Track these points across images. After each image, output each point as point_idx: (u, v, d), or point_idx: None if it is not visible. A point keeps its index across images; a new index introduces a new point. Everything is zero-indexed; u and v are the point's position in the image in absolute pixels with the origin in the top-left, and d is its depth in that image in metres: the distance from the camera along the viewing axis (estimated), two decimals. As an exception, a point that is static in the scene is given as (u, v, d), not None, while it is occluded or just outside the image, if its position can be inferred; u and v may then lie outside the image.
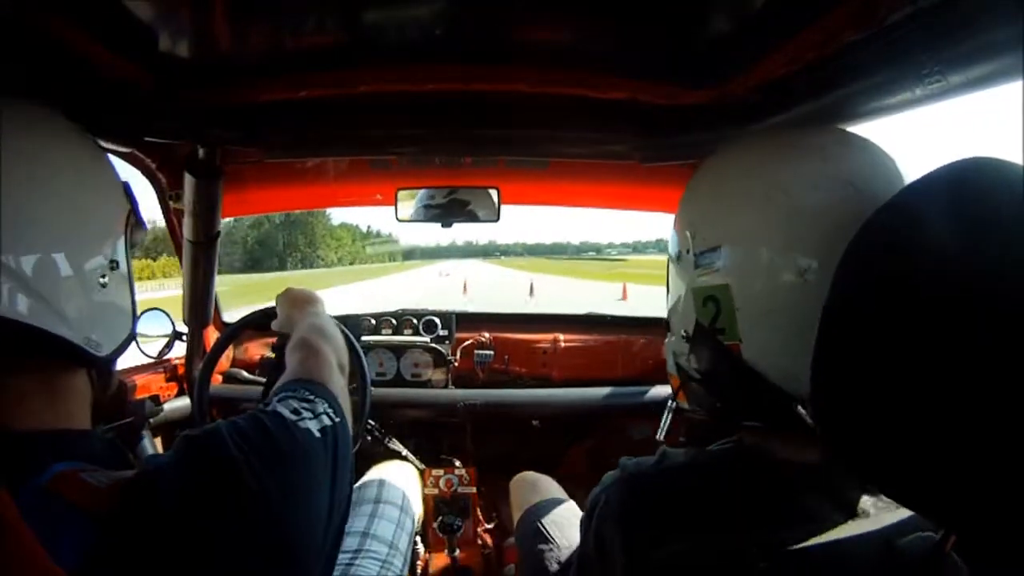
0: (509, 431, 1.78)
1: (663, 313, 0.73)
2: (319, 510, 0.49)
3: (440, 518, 1.53)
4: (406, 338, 1.82)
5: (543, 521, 1.13)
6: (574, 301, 15.84)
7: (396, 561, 1.12)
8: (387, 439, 1.64)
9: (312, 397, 0.56)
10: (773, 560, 0.50)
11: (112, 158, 0.64)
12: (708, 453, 0.62)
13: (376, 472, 1.39)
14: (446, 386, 1.75)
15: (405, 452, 1.65)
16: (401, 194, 1.49)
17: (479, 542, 1.65)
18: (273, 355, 1.78)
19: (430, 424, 1.79)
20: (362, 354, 1.23)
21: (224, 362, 1.76)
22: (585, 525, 0.67)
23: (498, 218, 1.51)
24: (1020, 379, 0.35)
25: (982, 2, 0.53)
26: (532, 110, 1.03)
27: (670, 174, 1.39)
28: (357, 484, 1.20)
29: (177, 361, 1.57)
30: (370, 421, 1.59)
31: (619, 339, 1.84)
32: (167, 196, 1.35)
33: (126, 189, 0.62)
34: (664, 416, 0.73)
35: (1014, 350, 0.35)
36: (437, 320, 1.84)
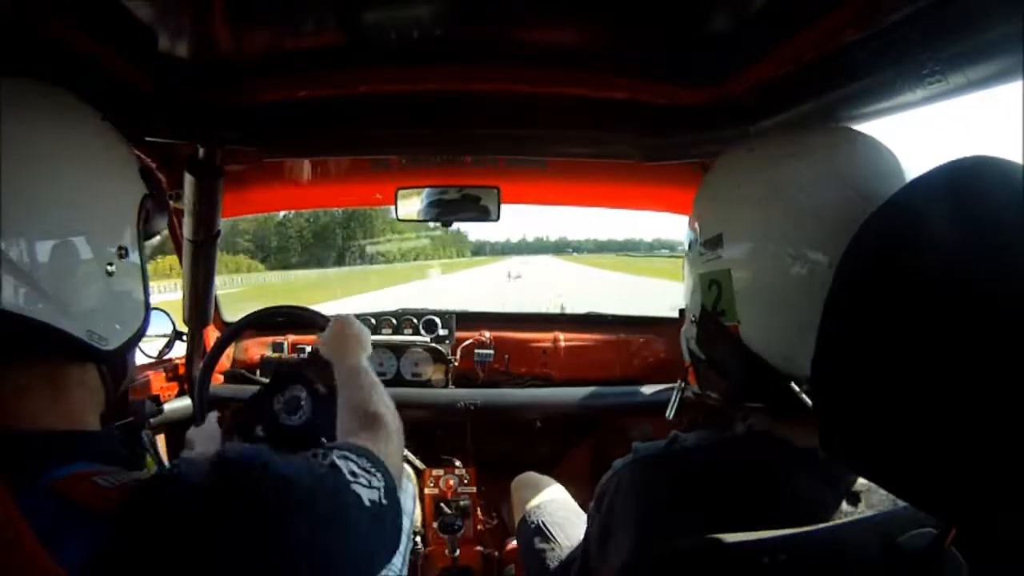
0: (509, 431, 1.78)
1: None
2: (350, 567, 0.48)
3: (440, 518, 1.53)
4: (406, 338, 1.82)
5: (544, 521, 1.13)
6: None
7: (395, 560, 1.12)
8: None
9: (372, 468, 0.54)
10: (774, 558, 0.50)
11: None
12: (718, 436, 0.65)
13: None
14: (446, 386, 1.75)
15: (405, 452, 1.65)
16: (402, 193, 1.49)
17: (479, 542, 1.65)
18: (274, 354, 1.79)
19: (430, 424, 1.79)
20: None
21: (224, 362, 1.76)
22: (593, 512, 0.69)
23: (498, 217, 1.51)
24: (1018, 373, 0.35)
25: (982, 2, 0.53)
26: (532, 110, 1.03)
27: (670, 173, 1.39)
28: None
29: (177, 361, 1.57)
30: None
31: (619, 338, 1.84)
32: (167, 196, 1.35)
33: (145, 172, 0.58)
34: (673, 396, 0.77)
35: (1013, 345, 0.35)
36: (437, 320, 1.84)
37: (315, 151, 1.28)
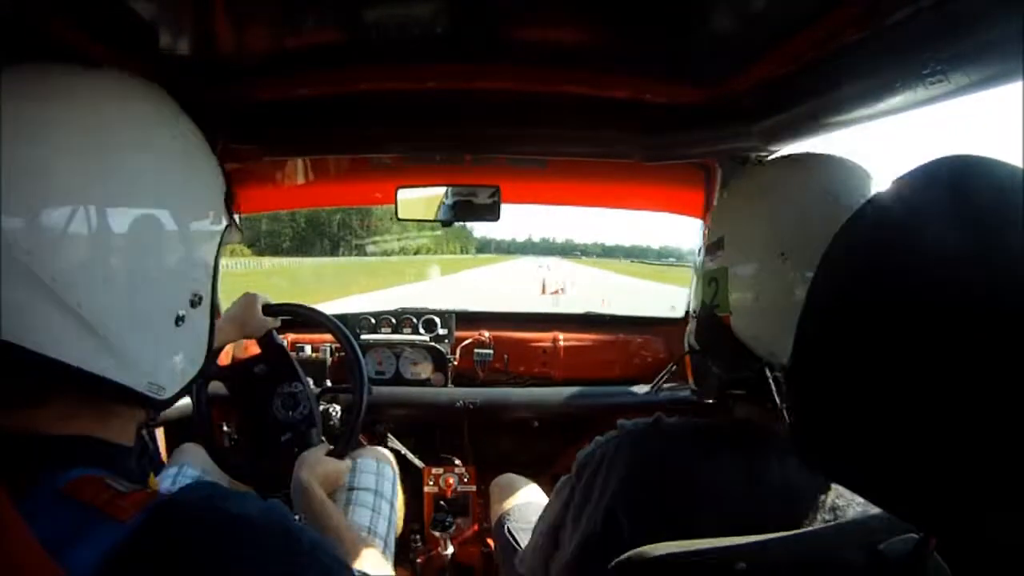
0: (508, 430, 1.78)
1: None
2: None
3: (434, 516, 1.53)
4: (405, 337, 1.82)
5: (510, 526, 1.13)
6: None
7: (383, 507, 1.12)
8: (386, 438, 1.64)
9: None
10: (751, 562, 0.50)
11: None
12: (699, 420, 0.69)
13: (350, 460, 1.37)
14: (445, 385, 1.75)
15: (404, 451, 1.65)
16: (402, 192, 1.49)
17: (479, 541, 1.65)
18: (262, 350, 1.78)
19: (429, 423, 1.79)
20: (360, 353, 1.23)
21: (224, 360, 1.76)
22: (573, 481, 0.72)
23: (498, 217, 1.51)
24: (994, 379, 0.35)
25: (983, 2, 0.53)
26: (533, 109, 1.03)
27: (671, 173, 1.39)
28: None
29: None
30: (369, 421, 1.59)
31: (618, 338, 1.84)
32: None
33: (228, 198, 0.56)
34: (663, 372, 0.87)
35: (992, 348, 0.34)
36: (436, 319, 1.84)
37: (315, 149, 1.27)
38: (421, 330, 1.83)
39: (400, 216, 1.51)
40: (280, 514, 0.44)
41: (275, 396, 1.18)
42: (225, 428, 1.43)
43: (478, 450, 1.74)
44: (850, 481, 0.44)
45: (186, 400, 1.49)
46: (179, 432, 1.36)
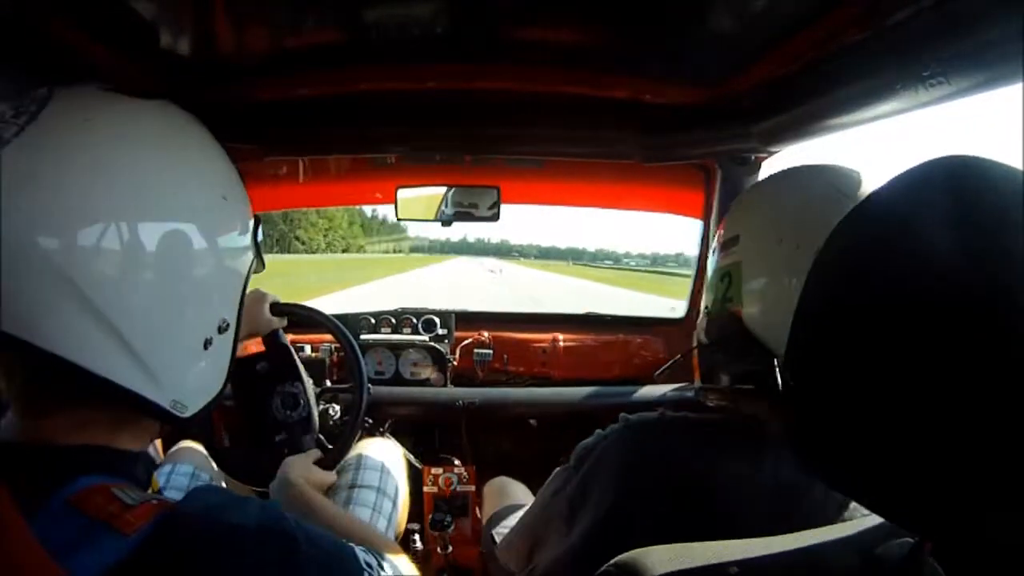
0: (508, 430, 1.78)
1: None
2: None
3: (431, 515, 1.53)
4: (405, 337, 1.82)
5: (495, 532, 1.13)
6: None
7: (385, 505, 1.12)
8: (385, 438, 1.64)
9: (389, 569, 0.54)
10: (745, 566, 0.49)
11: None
12: (703, 415, 0.70)
13: (353, 456, 1.36)
14: (445, 385, 1.75)
15: (404, 451, 1.65)
16: (402, 191, 1.49)
17: (478, 541, 1.65)
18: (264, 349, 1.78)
19: (429, 423, 1.79)
20: (360, 353, 1.23)
21: None
22: (571, 472, 0.72)
23: (498, 217, 1.51)
24: (990, 382, 0.34)
25: (984, 4, 0.53)
26: (533, 109, 1.03)
27: (671, 173, 1.39)
28: (336, 469, 1.18)
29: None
30: (368, 420, 1.59)
31: (618, 338, 1.84)
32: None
33: (256, 235, 0.58)
34: (670, 362, 0.88)
35: (985, 352, 0.34)
36: (436, 319, 1.84)
37: (315, 149, 1.27)
38: (421, 330, 1.83)
39: (400, 216, 1.51)
40: (276, 517, 0.45)
41: (275, 395, 1.18)
42: (223, 426, 1.43)
43: (477, 450, 1.74)
44: (845, 486, 0.43)
45: None
46: (176, 429, 1.36)
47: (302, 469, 0.97)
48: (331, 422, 1.28)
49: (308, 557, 0.43)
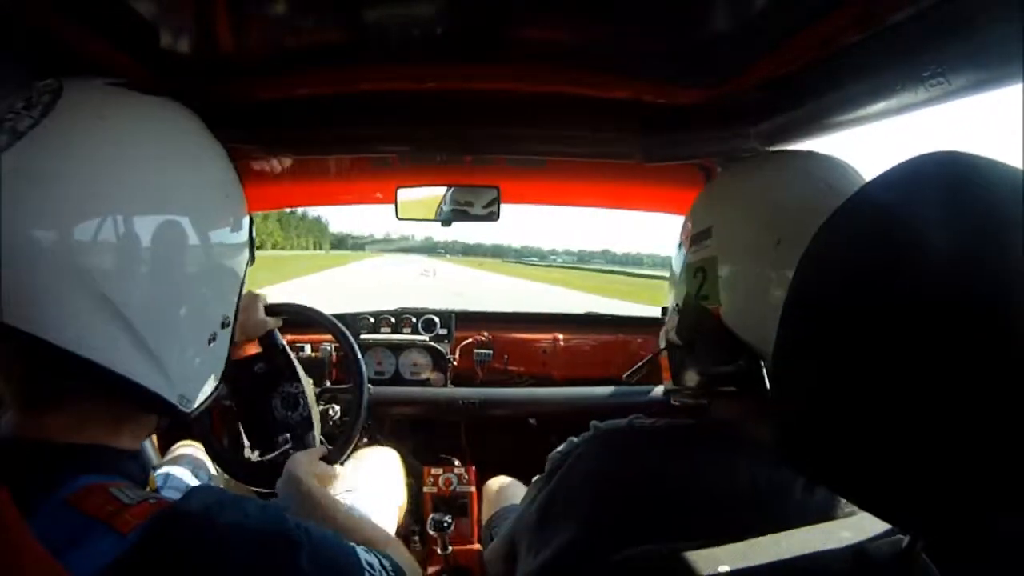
0: (508, 430, 1.78)
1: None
2: None
3: (431, 516, 1.53)
4: (405, 337, 1.82)
5: (493, 532, 1.13)
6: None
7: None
8: (384, 438, 1.64)
9: (392, 571, 0.54)
10: (736, 564, 0.49)
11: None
12: (673, 421, 0.66)
13: (353, 463, 1.36)
14: (445, 385, 1.75)
15: (403, 451, 1.65)
16: (402, 191, 1.49)
17: (479, 541, 1.65)
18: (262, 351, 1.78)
19: (429, 423, 1.79)
20: (359, 353, 1.23)
21: None
22: (542, 484, 0.69)
23: (498, 217, 1.52)
24: (983, 380, 0.34)
25: (984, 3, 0.53)
26: (533, 109, 1.03)
27: (671, 173, 1.39)
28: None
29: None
30: (368, 421, 1.59)
31: (618, 338, 1.84)
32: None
33: (251, 237, 0.60)
34: (642, 363, 0.84)
35: (978, 350, 0.34)
36: (436, 319, 1.84)
37: (315, 149, 1.27)
38: (421, 330, 1.83)
39: (400, 216, 1.51)
40: (276, 518, 0.45)
41: (275, 396, 1.18)
42: (223, 427, 1.43)
43: (477, 450, 1.74)
44: (836, 484, 0.43)
45: None
46: (175, 431, 1.36)
47: (308, 465, 0.97)
48: (331, 422, 1.28)
49: (309, 558, 0.43)
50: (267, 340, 1.18)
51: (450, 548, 1.49)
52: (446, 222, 1.56)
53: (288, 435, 1.14)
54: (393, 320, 1.86)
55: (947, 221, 0.37)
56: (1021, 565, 0.38)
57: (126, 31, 0.76)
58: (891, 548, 0.46)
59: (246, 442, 1.18)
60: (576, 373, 1.79)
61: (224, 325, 0.55)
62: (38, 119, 0.42)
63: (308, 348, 1.71)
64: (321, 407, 1.24)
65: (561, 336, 1.85)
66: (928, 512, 0.38)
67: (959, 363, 0.35)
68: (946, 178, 0.39)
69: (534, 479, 0.74)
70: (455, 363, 1.79)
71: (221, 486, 1.18)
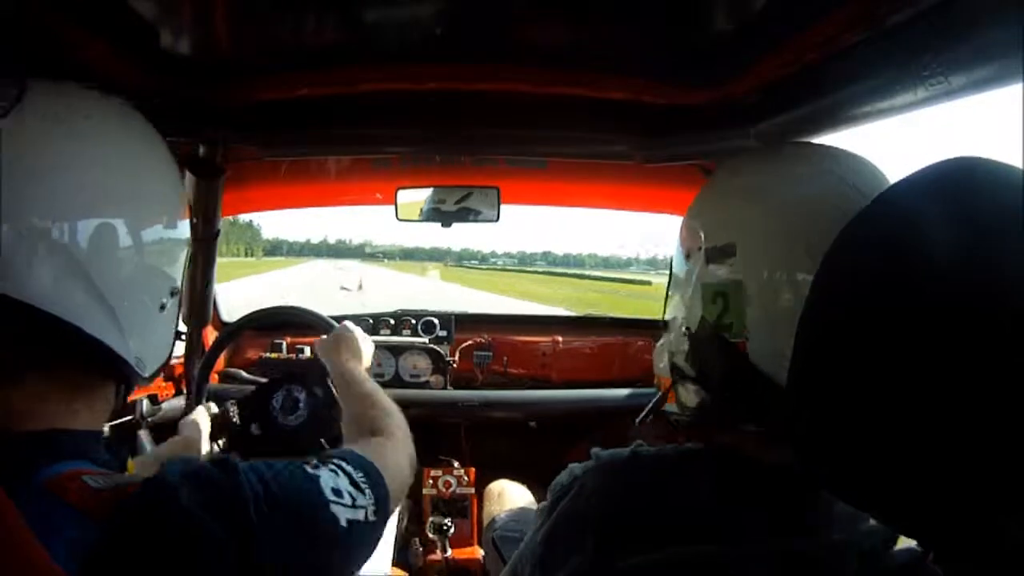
0: (508, 432, 1.78)
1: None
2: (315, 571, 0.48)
3: (430, 519, 1.53)
4: (404, 339, 1.82)
5: (495, 535, 1.12)
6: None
7: (387, 552, 1.11)
8: None
9: (365, 486, 0.53)
10: (744, 571, 0.48)
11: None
12: (679, 448, 0.61)
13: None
14: (445, 387, 1.75)
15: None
16: (402, 192, 1.49)
17: (478, 543, 1.64)
18: (271, 354, 1.78)
19: (428, 425, 1.78)
20: None
21: (221, 361, 1.75)
22: (545, 514, 0.64)
23: (498, 218, 1.52)
24: (998, 388, 0.34)
25: (984, 3, 0.53)
26: (532, 110, 1.03)
27: (671, 174, 1.39)
28: None
29: (175, 360, 1.57)
30: None
31: (618, 341, 1.84)
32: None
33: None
34: (650, 404, 0.72)
35: (996, 358, 0.34)
36: (436, 321, 1.84)
37: (315, 149, 1.27)
38: (420, 332, 1.83)
39: (400, 217, 1.51)
40: (232, 487, 0.44)
41: (273, 399, 1.18)
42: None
43: (477, 452, 1.73)
44: (853, 496, 0.43)
45: (180, 402, 1.49)
46: (175, 433, 1.35)
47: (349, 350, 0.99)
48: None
49: (256, 509, 0.43)
50: (259, 371, 1.18)
51: (450, 551, 1.49)
52: (446, 224, 1.55)
53: (287, 438, 1.14)
54: (392, 322, 1.86)
55: (954, 228, 0.37)
56: None
57: (126, 32, 0.76)
58: (902, 558, 0.46)
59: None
60: (575, 375, 1.79)
61: (173, 294, 0.59)
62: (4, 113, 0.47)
63: (307, 350, 1.72)
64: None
65: (560, 338, 1.85)
66: (942, 522, 0.38)
67: (968, 371, 0.35)
68: (953, 184, 0.39)
69: (537, 507, 0.69)
70: (455, 365, 1.79)
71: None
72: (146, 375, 0.57)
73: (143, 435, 1.36)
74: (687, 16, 0.77)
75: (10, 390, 0.45)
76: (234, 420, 1.15)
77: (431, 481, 1.62)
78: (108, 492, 0.40)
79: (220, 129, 1.05)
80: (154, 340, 0.58)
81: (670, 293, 0.71)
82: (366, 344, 1.02)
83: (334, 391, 1.11)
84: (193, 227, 1.24)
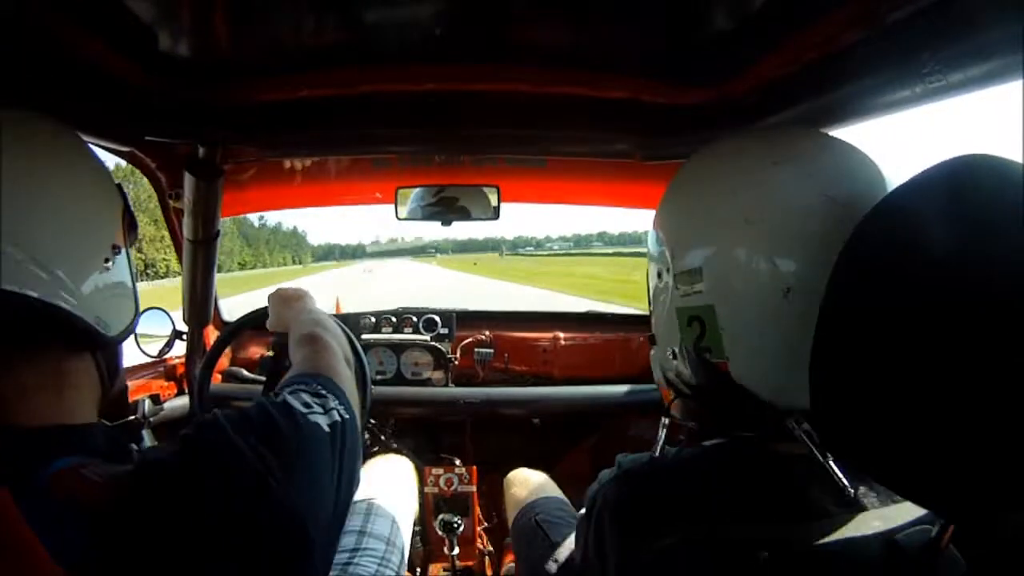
0: (509, 430, 1.78)
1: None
2: (324, 500, 0.50)
3: (440, 517, 1.53)
4: (406, 336, 1.82)
5: (538, 519, 1.12)
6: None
7: (394, 558, 1.12)
8: (387, 438, 1.64)
9: (324, 392, 0.56)
10: (773, 551, 0.50)
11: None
12: (700, 448, 0.63)
13: (371, 467, 1.38)
14: (446, 384, 1.75)
15: (405, 451, 1.65)
16: (402, 192, 1.49)
17: (479, 541, 1.65)
18: (272, 353, 1.79)
19: (430, 422, 1.79)
20: (362, 353, 1.24)
21: (223, 361, 1.76)
22: (584, 524, 0.67)
23: (497, 216, 1.52)
24: (1015, 373, 0.36)
25: (982, 1, 0.53)
26: (532, 109, 1.03)
27: (671, 173, 1.39)
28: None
29: (177, 360, 1.57)
30: (371, 420, 1.59)
31: (619, 337, 1.84)
32: (167, 195, 1.35)
33: (119, 187, 0.64)
34: (659, 431, 0.69)
35: (1009, 345, 0.36)
36: (437, 318, 1.84)
37: (315, 150, 1.27)
38: (422, 329, 1.84)
39: (400, 217, 1.52)
40: (207, 450, 0.46)
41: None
42: None
43: (479, 449, 1.74)
44: (876, 471, 0.45)
45: (185, 400, 1.49)
46: (179, 433, 1.36)
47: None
48: None
49: (236, 430, 0.46)
50: (280, 341, 1.18)
51: (457, 548, 1.49)
52: (445, 223, 1.55)
53: None
54: (394, 320, 1.86)
55: (954, 226, 0.38)
56: None
57: (125, 33, 0.76)
58: (921, 537, 0.48)
59: None
60: (577, 372, 1.79)
61: (116, 251, 0.59)
62: None
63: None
64: None
65: (562, 335, 1.85)
66: (959, 497, 0.40)
67: (972, 360, 0.37)
68: (951, 183, 0.40)
69: (579, 517, 0.71)
70: (456, 362, 1.79)
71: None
72: (112, 335, 0.56)
73: (146, 435, 1.36)
74: (687, 15, 0.77)
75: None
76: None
77: (432, 479, 1.62)
78: (104, 484, 0.41)
79: (220, 130, 1.05)
80: (110, 299, 0.57)
81: (651, 304, 0.72)
82: (300, 290, 1.00)
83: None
84: (193, 228, 1.25)
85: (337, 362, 0.67)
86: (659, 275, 0.67)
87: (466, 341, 1.83)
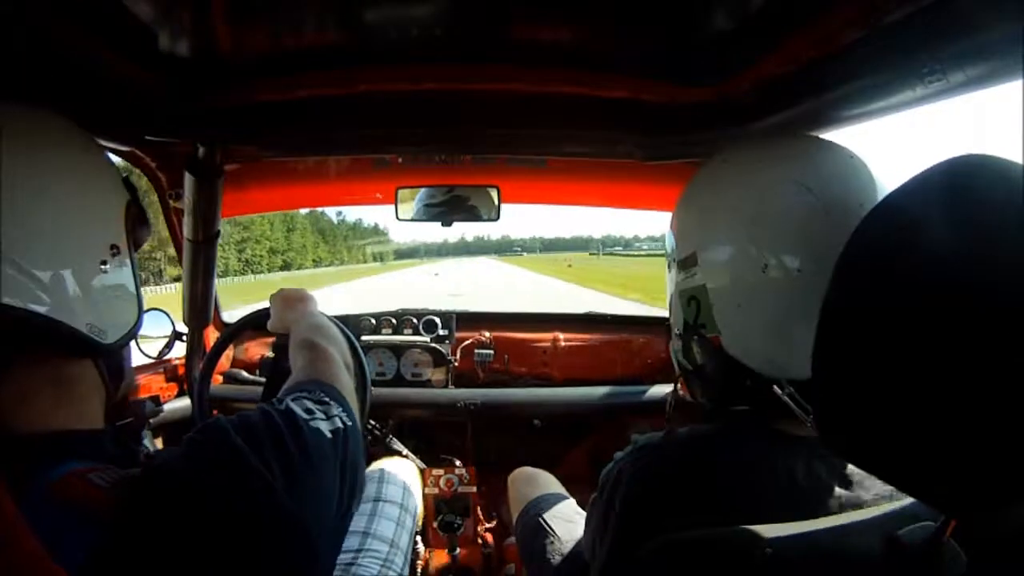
0: (509, 431, 1.78)
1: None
2: (327, 505, 0.50)
3: (441, 517, 1.53)
4: (406, 338, 1.82)
5: (544, 516, 1.12)
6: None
7: (397, 559, 1.12)
8: (387, 439, 1.64)
9: (326, 399, 0.56)
10: (777, 547, 0.51)
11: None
12: (709, 426, 0.68)
13: (375, 470, 1.39)
14: (446, 386, 1.75)
15: (405, 452, 1.65)
16: (402, 192, 1.49)
17: (479, 541, 1.65)
18: (272, 354, 1.78)
19: (430, 424, 1.79)
20: (362, 354, 1.24)
21: (224, 362, 1.76)
22: (596, 500, 0.71)
23: (498, 216, 1.52)
24: (1014, 370, 0.36)
25: (982, 1, 0.53)
26: (532, 109, 1.03)
27: (671, 172, 1.39)
28: None
29: (177, 361, 1.57)
30: (370, 421, 1.59)
31: (619, 338, 1.84)
32: (167, 195, 1.35)
33: (126, 180, 0.62)
34: (668, 400, 0.80)
35: (1008, 342, 0.36)
36: (437, 320, 1.84)
37: (315, 150, 1.27)
38: (422, 331, 1.84)
39: (400, 217, 1.52)
40: (210, 463, 0.45)
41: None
42: None
43: (479, 450, 1.74)
44: (879, 469, 0.46)
45: (186, 401, 1.49)
46: (179, 434, 1.36)
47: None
48: None
49: (240, 433, 0.46)
50: (281, 342, 1.18)
51: (457, 549, 1.49)
52: (446, 223, 1.55)
53: None
54: (394, 321, 1.86)
55: (952, 226, 0.39)
56: None
57: (126, 34, 0.76)
58: (922, 533, 0.48)
59: None
60: (576, 373, 1.79)
61: (114, 252, 0.56)
62: None
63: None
64: None
65: (562, 336, 1.85)
66: (960, 495, 0.40)
67: (985, 357, 0.37)
68: (949, 183, 0.40)
69: (591, 498, 0.75)
70: (456, 364, 1.79)
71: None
72: (107, 342, 0.54)
73: (146, 436, 1.36)
74: (687, 15, 0.77)
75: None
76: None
77: (432, 480, 1.62)
78: (109, 488, 0.41)
79: (220, 130, 1.05)
80: (105, 304, 0.54)
81: (669, 307, 0.79)
82: (301, 292, 0.99)
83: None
84: (193, 228, 1.25)
85: (338, 369, 0.68)
86: (668, 267, 0.76)
87: (466, 342, 1.83)
